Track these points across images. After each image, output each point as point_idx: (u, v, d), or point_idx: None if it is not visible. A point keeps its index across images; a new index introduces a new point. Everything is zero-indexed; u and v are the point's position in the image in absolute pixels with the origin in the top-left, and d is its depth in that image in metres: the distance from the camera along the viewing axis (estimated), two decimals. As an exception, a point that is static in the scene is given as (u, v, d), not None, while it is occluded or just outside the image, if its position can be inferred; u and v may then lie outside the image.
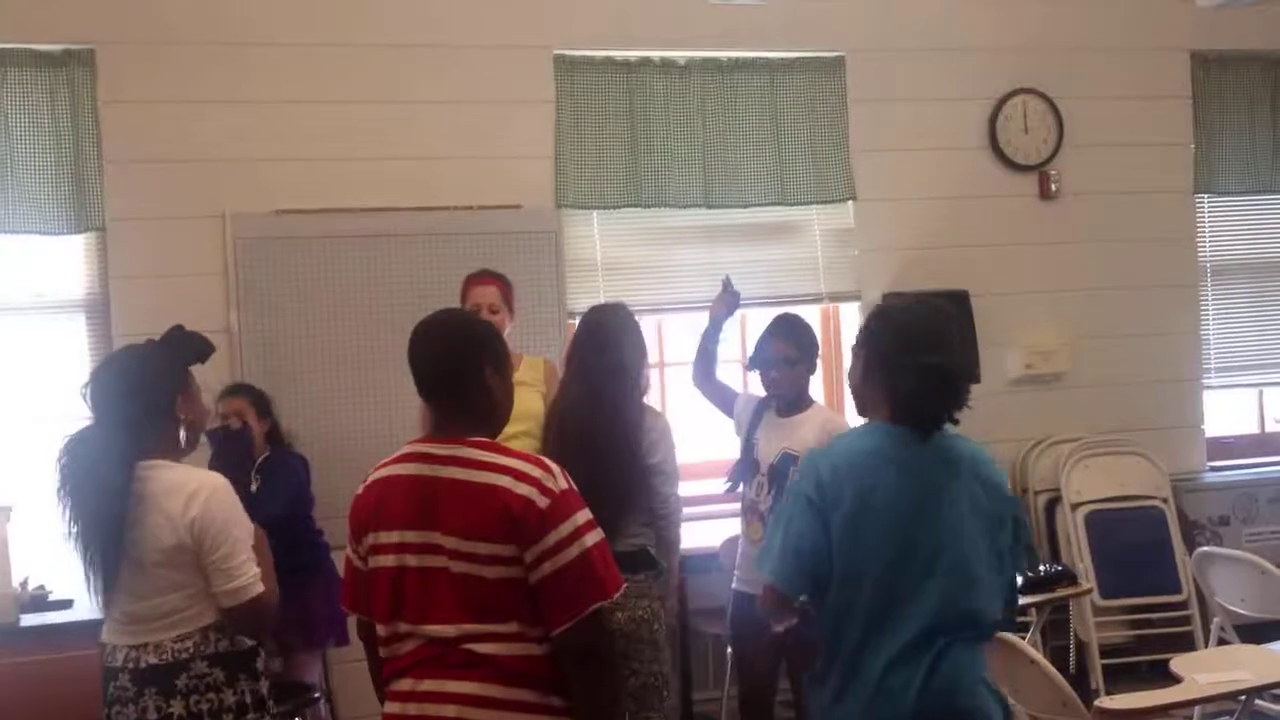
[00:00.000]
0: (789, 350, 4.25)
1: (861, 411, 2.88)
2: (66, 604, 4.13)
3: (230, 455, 4.60)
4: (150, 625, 2.92)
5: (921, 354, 2.68)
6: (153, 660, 2.89)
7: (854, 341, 2.89)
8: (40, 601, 4.13)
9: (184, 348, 3.14)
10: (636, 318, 4.15)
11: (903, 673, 2.61)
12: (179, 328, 3.21)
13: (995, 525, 2.73)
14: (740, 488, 4.41)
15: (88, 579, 2.94)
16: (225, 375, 5.08)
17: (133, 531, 2.87)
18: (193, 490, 2.89)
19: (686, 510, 4.33)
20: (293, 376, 5.19)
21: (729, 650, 4.85)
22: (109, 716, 2.95)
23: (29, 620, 4.05)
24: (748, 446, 4.37)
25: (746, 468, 4.36)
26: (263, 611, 2.97)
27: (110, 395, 2.94)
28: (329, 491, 4.88)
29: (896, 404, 2.72)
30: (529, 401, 4.52)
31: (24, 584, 4.16)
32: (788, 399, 4.30)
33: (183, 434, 3.03)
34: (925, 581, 2.63)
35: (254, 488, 4.63)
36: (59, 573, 4.32)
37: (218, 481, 2.97)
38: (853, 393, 2.89)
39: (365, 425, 5.22)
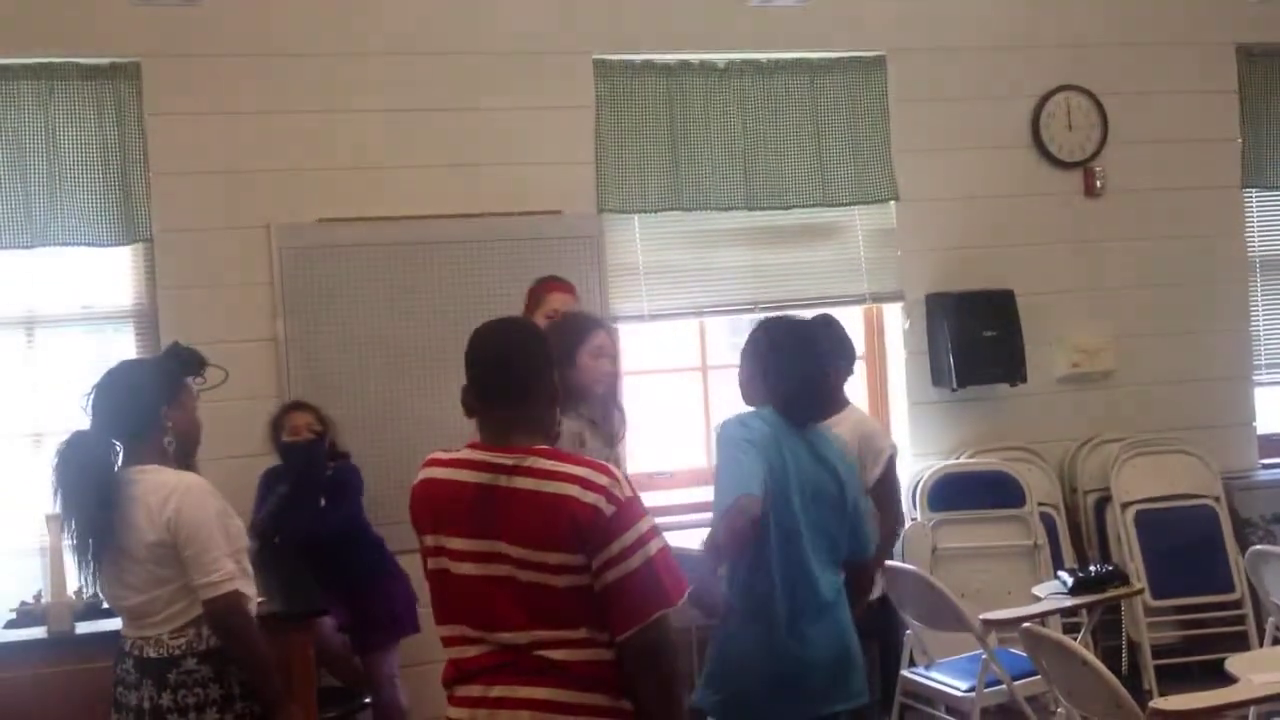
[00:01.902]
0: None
1: (748, 404, 3.47)
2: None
3: (310, 464, 4.78)
4: (150, 620, 3.11)
5: (794, 367, 3.36)
6: (152, 654, 3.11)
7: (742, 348, 3.51)
8: (94, 609, 4.15)
9: (174, 361, 3.33)
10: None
11: (809, 625, 3.26)
12: (175, 344, 3.41)
13: (843, 500, 3.39)
14: None
15: (82, 572, 3.17)
16: (272, 383, 5.15)
17: (127, 530, 3.08)
18: (170, 489, 3.08)
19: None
20: (338, 384, 5.23)
21: None
22: (115, 694, 3.17)
23: (84, 628, 4.09)
24: None
25: None
26: (236, 609, 3.09)
27: (101, 404, 3.17)
28: (377, 498, 4.93)
29: (778, 403, 3.36)
30: None
31: (78, 592, 4.19)
32: None
33: (169, 441, 3.19)
34: (805, 529, 3.27)
35: (322, 502, 4.72)
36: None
37: (196, 482, 3.14)
38: (740, 389, 3.52)
39: (411, 431, 5.24)
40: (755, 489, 3.18)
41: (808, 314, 4.34)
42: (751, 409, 3.43)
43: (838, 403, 4.36)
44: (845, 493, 3.39)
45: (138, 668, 3.11)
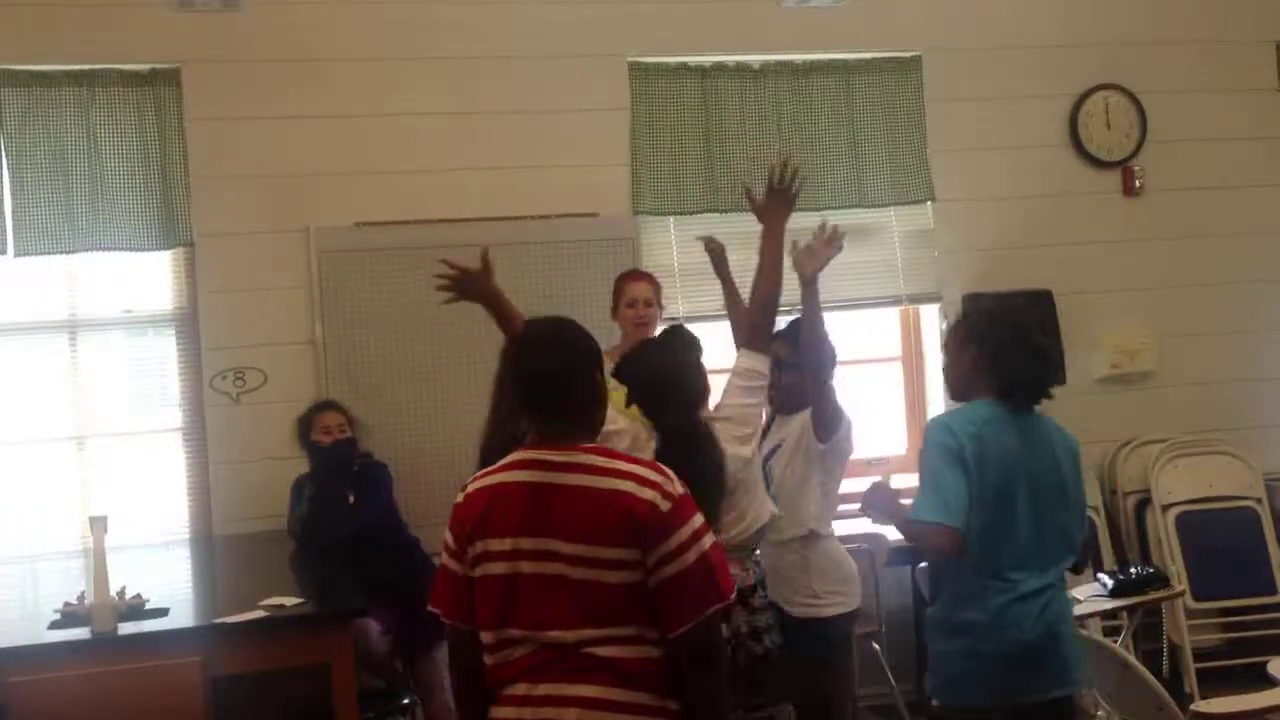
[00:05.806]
0: (785, 352, 4.17)
1: (958, 398, 3.38)
2: (163, 612, 4.19)
3: (340, 464, 4.81)
4: None
5: (1031, 344, 3.30)
6: None
7: (956, 337, 3.38)
8: (137, 610, 4.18)
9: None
10: None
11: (1018, 607, 3.15)
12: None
13: (1072, 478, 3.33)
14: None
15: None
16: (310, 386, 5.18)
17: None
18: None
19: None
20: (375, 386, 5.26)
21: None
22: None
23: (126, 629, 4.11)
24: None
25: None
26: None
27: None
28: (409, 499, 4.95)
29: (1006, 386, 3.24)
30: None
31: (121, 593, 4.23)
32: (787, 403, 4.18)
33: None
34: (1025, 525, 3.18)
35: (351, 499, 4.75)
36: (155, 581, 4.42)
37: None
38: (952, 381, 3.41)
39: (446, 434, 5.26)
40: (954, 519, 3.11)
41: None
42: (961, 406, 3.34)
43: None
44: (1066, 479, 3.31)
45: None
